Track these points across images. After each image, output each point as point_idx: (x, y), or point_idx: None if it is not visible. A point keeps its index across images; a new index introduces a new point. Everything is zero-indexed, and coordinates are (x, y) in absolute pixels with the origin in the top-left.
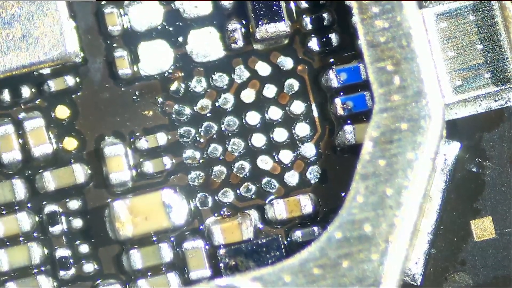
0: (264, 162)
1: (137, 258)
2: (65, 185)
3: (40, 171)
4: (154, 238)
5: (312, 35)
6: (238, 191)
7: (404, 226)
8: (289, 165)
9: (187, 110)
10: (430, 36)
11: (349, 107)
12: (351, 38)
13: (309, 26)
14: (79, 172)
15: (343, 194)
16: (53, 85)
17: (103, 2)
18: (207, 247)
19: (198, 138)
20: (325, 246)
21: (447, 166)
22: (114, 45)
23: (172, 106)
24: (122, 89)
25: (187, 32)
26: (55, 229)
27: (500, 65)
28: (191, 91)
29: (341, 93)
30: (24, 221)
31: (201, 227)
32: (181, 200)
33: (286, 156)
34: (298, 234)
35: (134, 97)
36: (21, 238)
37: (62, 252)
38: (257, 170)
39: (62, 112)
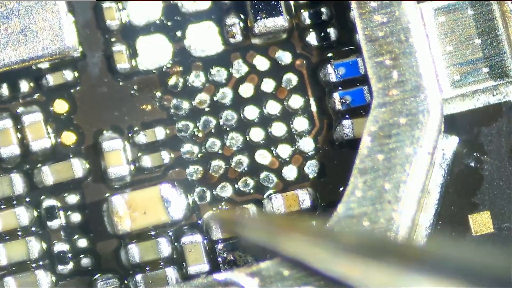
0: (262, 157)
1: (135, 253)
2: (63, 180)
3: (38, 165)
4: (152, 233)
5: (311, 30)
6: (236, 186)
7: (402, 220)
8: (287, 159)
9: (185, 105)
10: (429, 31)
11: (348, 102)
12: (349, 33)
13: (308, 21)
14: (77, 167)
15: (341, 189)
16: (51, 80)
17: None
18: (205, 241)
19: (196, 133)
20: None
21: (445, 160)
22: (113, 39)
23: (170, 100)
24: (121, 83)
25: (185, 26)
26: (54, 224)
27: (498, 59)
28: (189, 86)
29: (340, 88)
30: (23, 215)
31: (199, 221)
32: (179, 194)
33: (284, 150)
34: None
35: (132, 92)
36: (19, 233)
37: (60, 246)
38: (255, 165)
39: (60, 106)
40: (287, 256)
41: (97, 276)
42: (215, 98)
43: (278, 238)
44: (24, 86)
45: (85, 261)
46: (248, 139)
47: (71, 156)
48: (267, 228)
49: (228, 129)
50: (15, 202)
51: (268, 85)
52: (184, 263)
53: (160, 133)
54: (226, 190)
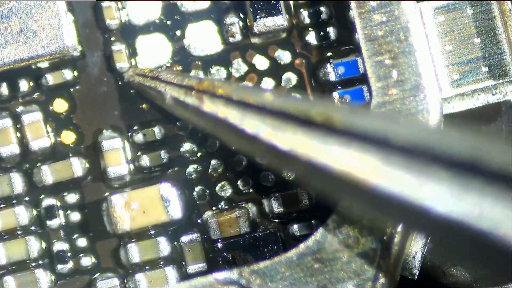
0: None
1: (134, 252)
2: (62, 179)
3: (37, 164)
4: (152, 232)
5: (310, 29)
6: (235, 185)
7: None
8: None
9: None
10: (428, 30)
11: (347, 101)
12: (349, 32)
13: (307, 20)
14: (77, 166)
15: None
16: (51, 79)
17: None
18: (204, 241)
19: (195, 132)
20: (323, 240)
21: None
22: (112, 39)
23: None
24: (120, 82)
25: (185, 25)
26: (53, 223)
27: (498, 59)
28: None
29: (339, 87)
30: (22, 214)
31: (199, 221)
32: (179, 193)
33: None
34: (295, 228)
35: (131, 91)
36: (19, 232)
37: (59, 245)
38: (254, 164)
39: (60, 105)
40: (209, 114)
41: (96, 275)
42: None
43: (201, 97)
44: (24, 85)
45: (85, 260)
46: None
47: (70, 155)
48: (187, 88)
49: None
50: (14, 201)
51: (267, 84)
52: (183, 262)
53: (159, 132)
54: (225, 189)
